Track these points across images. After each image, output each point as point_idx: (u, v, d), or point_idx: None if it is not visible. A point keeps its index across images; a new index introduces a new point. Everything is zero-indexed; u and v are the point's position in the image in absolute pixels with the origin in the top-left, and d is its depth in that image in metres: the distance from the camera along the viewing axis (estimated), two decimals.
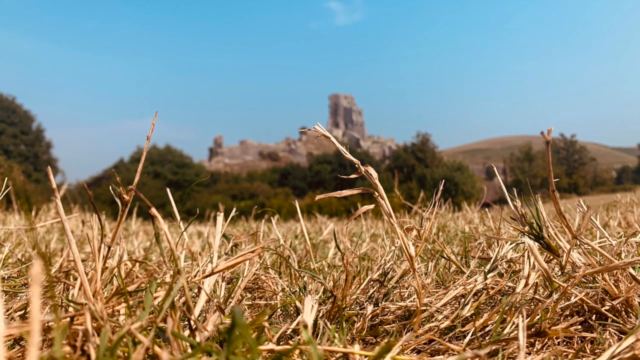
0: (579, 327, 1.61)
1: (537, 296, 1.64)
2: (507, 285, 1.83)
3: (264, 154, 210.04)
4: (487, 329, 1.58)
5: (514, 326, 1.51)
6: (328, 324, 1.62)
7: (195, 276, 1.64)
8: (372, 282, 1.96)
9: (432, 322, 1.65)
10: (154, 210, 1.38)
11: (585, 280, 1.85)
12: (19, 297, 1.91)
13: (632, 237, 2.27)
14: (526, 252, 1.70)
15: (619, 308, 1.64)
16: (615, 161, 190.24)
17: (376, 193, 1.64)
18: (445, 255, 2.30)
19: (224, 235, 1.91)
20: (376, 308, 1.73)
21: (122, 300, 1.44)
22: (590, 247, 1.77)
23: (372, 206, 1.69)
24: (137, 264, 2.54)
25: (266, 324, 1.43)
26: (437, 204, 1.98)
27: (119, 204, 1.50)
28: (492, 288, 1.76)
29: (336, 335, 1.46)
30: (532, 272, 1.65)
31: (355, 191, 1.62)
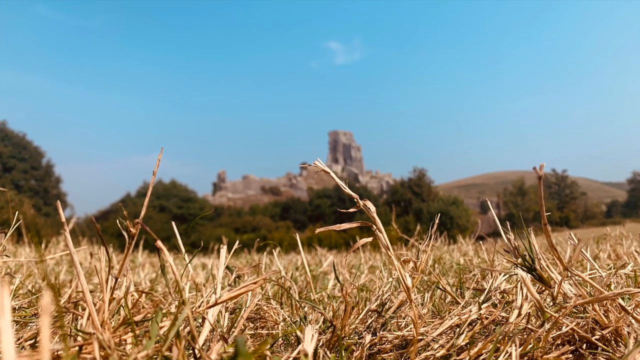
0: (570, 355, 1.61)
1: (529, 326, 1.64)
2: (500, 315, 1.83)
3: (266, 189, 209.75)
4: (481, 357, 1.58)
5: (507, 355, 1.51)
6: (328, 352, 1.62)
7: (199, 306, 1.64)
8: (370, 312, 1.96)
9: (428, 351, 1.65)
10: (159, 243, 1.39)
11: (576, 311, 1.85)
12: (29, 327, 1.91)
13: (621, 269, 2.27)
14: (519, 284, 1.70)
15: (609, 337, 1.63)
16: (605, 195, 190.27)
17: (374, 226, 1.65)
18: (441, 287, 2.30)
19: (227, 267, 1.92)
20: (374, 337, 1.73)
21: (129, 329, 1.44)
22: (581, 279, 1.77)
23: (370, 239, 1.70)
24: (144, 294, 2.54)
25: (268, 352, 1.43)
26: (433, 237, 1.99)
27: (126, 236, 1.51)
28: (486, 318, 1.76)
29: None
30: (524, 303, 1.65)
31: (354, 224, 1.63)
